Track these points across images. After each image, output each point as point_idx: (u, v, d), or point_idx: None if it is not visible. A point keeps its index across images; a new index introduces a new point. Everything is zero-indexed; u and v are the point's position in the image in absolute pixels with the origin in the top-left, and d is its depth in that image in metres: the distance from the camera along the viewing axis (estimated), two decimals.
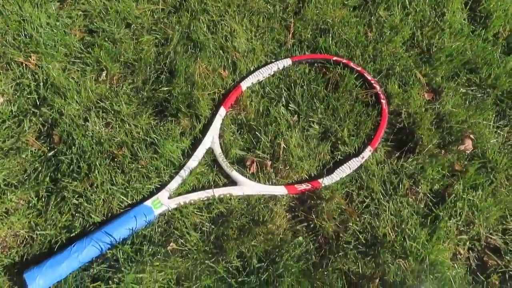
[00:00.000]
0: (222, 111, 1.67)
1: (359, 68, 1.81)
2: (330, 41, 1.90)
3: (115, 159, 1.56)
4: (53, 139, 1.61)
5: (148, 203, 1.45)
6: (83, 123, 1.63)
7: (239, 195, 1.50)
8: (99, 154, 1.56)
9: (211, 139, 1.61)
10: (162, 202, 1.45)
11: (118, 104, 1.66)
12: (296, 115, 1.71)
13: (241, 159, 1.60)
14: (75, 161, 1.53)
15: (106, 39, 1.85)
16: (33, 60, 1.80)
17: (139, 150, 1.57)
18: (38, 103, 1.68)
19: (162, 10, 1.98)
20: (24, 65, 1.78)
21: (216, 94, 1.74)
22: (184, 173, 1.53)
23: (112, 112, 1.66)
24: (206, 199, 1.49)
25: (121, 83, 1.77)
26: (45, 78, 1.75)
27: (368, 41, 1.93)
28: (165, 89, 1.72)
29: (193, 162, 1.56)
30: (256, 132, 1.64)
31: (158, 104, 1.71)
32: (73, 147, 1.56)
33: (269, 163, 1.58)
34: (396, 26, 1.97)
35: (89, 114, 1.65)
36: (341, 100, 1.73)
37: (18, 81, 1.75)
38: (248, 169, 1.57)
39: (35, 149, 1.60)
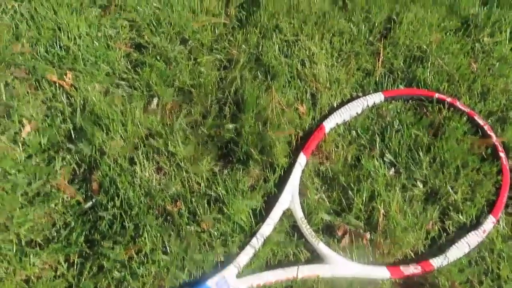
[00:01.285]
0: (302, 159, 1.26)
1: (467, 110, 1.39)
2: (429, 72, 1.48)
3: (169, 218, 1.16)
4: (91, 186, 1.21)
5: (211, 284, 1.04)
6: (129, 166, 1.23)
7: (328, 277, 1.09)
8: (149, 210, 1.16)
9: (289, 197, 1.19)
10: (229, 284, 1.05)
11: (173, 143, 1.26)
12: (393, 169, 1.30)
13: (329, 227, 1.19)
14: (118, 218, 1.14)
15: (158, 57, 1.45)
16: (69, 78, 1.40)
17: (198, 207, 1.17)
18: (73, 136, 1.29)
19: (225, 25, 1.56)
20: (57, 84, 1.39)
21: (293, 136, 1.33)
22: (256, 242, 1.13)
23: (166, 153, 1.25)
24: (285, 281, 1.08)
25: (175, 115, 1.36)
26: (82, 102, 1.36)
27: (474, 74, 1.50)
28: (231, 126, 1.31)
29: (267, 228, 1.15)
30: (348, 190, 1.22)
31: (222, 145, 1.30)
32: (116, 199, 1.16)
33: (367, 235, 1.16)
34: (505, 57, 1.54)
35: (137, 155, 1.25)
36: (450, 151, 1.31)
37: (49, 104, 1.36)
38: (338, 241, 1.16)
39: (68, 197, 1.20)
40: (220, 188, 1.19)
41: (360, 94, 1.44)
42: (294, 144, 1.32)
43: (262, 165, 1.25)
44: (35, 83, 1.39)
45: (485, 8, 1.67)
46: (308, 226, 1.14)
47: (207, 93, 1.38)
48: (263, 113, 1.33)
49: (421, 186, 1.26)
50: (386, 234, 1.16)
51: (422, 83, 1.47)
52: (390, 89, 1.45)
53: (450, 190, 1.24)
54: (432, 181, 1.26)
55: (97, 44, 1.46)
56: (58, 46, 1.43)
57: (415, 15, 1.62)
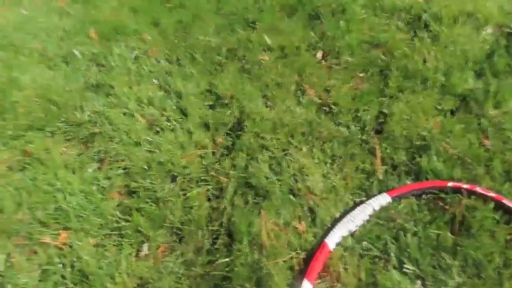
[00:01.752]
0: (307, 286, 1.16)
1: (492, 194, 1.27)
2: (436, 160, 1.42)
3: None
4: None
5: None
6: None
7: None
8: None
9: None
10: None
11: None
12: (419, 282, 1.15)
13: None
14: None
15: (148, 200, 1.51)
16: (62, 238, 1.48)
17: None
18: None
19: (213, 153, 1.65)
20: (52, 246, 1.46)
21: (294, 259, 1.25)
22: None
23: None
24: None
25: (167, 257, 1.35)
26: (74, 260, 1.39)
27: (489, 152, 1.42)
28: (223, 261, 1.27)
29: None
30: None
31: (216, 284, 1.24)
32: None
33: None
34: None
35: None
36: (483, 248, 1.16)
37: (44, 267, 1.41)
38: None
39: None
40: None
41: (364, 198, 1.39)
42: (298, 268, 1.24)
43: None
44: (32, 247, 1.47)
45: (480, 81, 1.67)
46: None
47: (198, 228, 1.38)
48: (257, 240, 1.29)
49: None
50: None
51: (431, 173, 1.40)
52: (395, 187, 1.38)
53: None
54: None
55: (90, 198, 1.56)
56: (54, 208, 1.55)
57: (407, 104, 1.64)
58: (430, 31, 2.01)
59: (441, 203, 1.31)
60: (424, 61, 1.83)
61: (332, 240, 1.26)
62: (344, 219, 1.30)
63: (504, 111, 1.55)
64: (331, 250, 1.24)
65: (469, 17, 2.05)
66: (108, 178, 1.67)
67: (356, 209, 1.33)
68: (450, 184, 1.32)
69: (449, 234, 1.21)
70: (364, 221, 1.30)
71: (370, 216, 1.32)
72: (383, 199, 1.33)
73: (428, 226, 1.24)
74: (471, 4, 2.10)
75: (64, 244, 1.46)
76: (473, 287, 1.09)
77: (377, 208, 1.33)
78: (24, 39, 2.61)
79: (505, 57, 1.77)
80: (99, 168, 1.73)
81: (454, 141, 1.47)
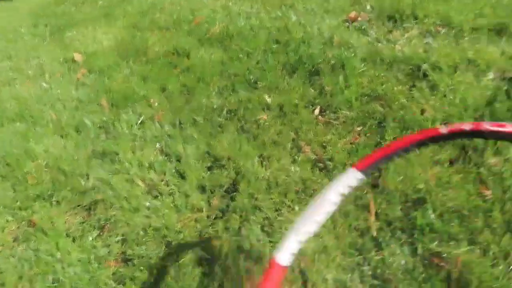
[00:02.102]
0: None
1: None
2: (432, 215, 1.42)
3: None
4: None
5: None
6: None
7: None
8: None
9: None
10: None
11: None
12: None
13: None
14: None
15: (141, 268, 1.58)
16: None
17: None
18: None
19: (208, 217, 1.73)
20: None
21: None
22: None
23: None
24: None
25: None
26: None
27: (488, 203, 1.42)
28: None
29: None
30: None
31: None
32: None
33: None
34: None
35: None
36: None
37: None
38: None
39: None
40: None
41: (357, 257, 1.39)
42: None
43: None
44: None
45: None
46: None
47: None
48: None
49: None
50: None
51: (426, 229, 1.40)
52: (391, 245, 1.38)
53: None
54: None
55: (87, 268, 1.65)
56: (52, 280, 1.64)
57: (403, 157, 1.67)
58: (429, 81, 2.08)
59: (436, 261, 1.30)
60: (422, 112, 1.88)
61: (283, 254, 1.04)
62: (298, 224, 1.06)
63: (505, 158, 1.55)
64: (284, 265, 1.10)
65: (470, 64, 2.11)
66: (107, 246, 1.76)
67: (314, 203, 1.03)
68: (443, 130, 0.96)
69: None
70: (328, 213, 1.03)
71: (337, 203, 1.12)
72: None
73: (423, 285, 1.23)
74: (471, 51, 2.17)
75: None
76: None
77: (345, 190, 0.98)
78: (42, 110, 2.90)
79: (506, 102, 1.79)
80: (99, 235, 1.84)
81: (452, 194, 1.47)
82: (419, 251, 1.34)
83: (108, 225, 1.86)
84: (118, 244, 1.75)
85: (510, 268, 1.22)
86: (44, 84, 3.30)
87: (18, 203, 2.06)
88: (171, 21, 3.89)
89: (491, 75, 2.00)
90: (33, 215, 1.99)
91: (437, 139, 0.89)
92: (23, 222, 1.97)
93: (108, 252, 1.72)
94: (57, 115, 2.78)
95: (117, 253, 1.71)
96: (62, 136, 2.56)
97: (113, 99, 2.76)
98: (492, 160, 1.56)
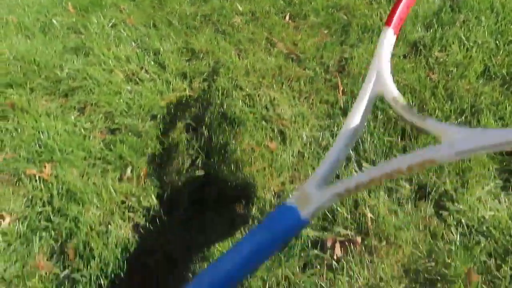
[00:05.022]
0: (389, 34, 0.86)
1: None
2: None
3: (148, 273, 1.21)
4: (67, 256, 1.30)
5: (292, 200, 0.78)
6: (105, 229, 1.33)
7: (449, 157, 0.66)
8: (126, 266, 1.22)
9: (379, 81, 0.84)
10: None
11: (147, 198, 1.38)
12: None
13: (317, 242, 1.21)
14: (94, 278, 1.19)
15: (130, 133, 1.67)
16: (47, 170, 1.61)
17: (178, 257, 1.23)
18: (51, 216, 1.42)
19: (190, 96, 1.84)
20: (37, 177, 1.59)
21: (266, 170, 1.45)
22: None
23: (141, 209, 1.37)
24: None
25: (149, 178, 1.52)
26: (60, 187, 1.53)
27: (434, 82, 1.68)
28: (201, 174, 1.45)
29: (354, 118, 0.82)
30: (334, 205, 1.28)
31: (196, 191, 1.42)
32: (92, 261, 1.23)
33: (358, 239, 1.18)
34: (461, 62, 1.74)
35: (112, 219, 1.36)
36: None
37: (29, 196, 1.53)
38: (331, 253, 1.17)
39: (46, 273, 1.27)
40: (198, 235, 1.27)
41: (328, 122, 1.60)
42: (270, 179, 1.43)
43: (236, 202, 1.34)
44: (18, 182, 1.60)
45: (429, 32, 1.95)
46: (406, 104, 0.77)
47: (178, 152, 1.56)
48: (233, 156, 1.48)
49: (407, 185, 1.31)
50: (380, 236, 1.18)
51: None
52: None
53: (438, 181, 1.29)
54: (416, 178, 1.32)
55: (74, 137, 1.71)
56: (38, 145, 1.68)
57: (365, 50, 1.89)
58: None
59: (394, 120, 1.55)
60: (381, 19, 2.10)
61: None
62: None
63: (448, 53, 1.82)
64: None
65: None
66: (90, 122, 1.82)
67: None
68: None
69: (399, 142, 1.45)
70: None
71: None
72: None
73: (382, 136, 1.47)
74: None
75: (50, 175, 1.60)
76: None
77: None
78: None
79: (450, 13, 2.06)
80: (80, 114, 1.88)
81: (406, 76, 1.72)
82: (379, 116, 1.58)
83: (88, 106, 1.90)
84: (101, 120, 1.81)
85: (450, 124, 1.50)
86: None
87: None
88: None
89: None
90: (6, 99, 1.97)
91: None
92: None
93: (93, 126, 1.78)
94: (18, 19, 2.65)
95: (102, 126, 1.78)
96: (27, 37, 2.48)
97: (80, 5, 2.69)
98: (438, 53, 1.83)
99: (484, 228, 1.20)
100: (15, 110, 1.88)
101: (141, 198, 1.39)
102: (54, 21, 2.50)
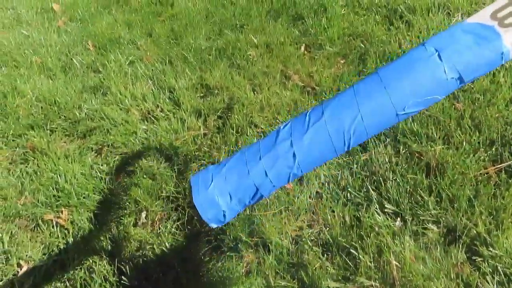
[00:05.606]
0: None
1: None
2: (412, 123, 1.58)
3: None
4: None
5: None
6: (118, 280, 1.29)
7: None
8: None
9: None
10: None
11: (162, 246, 1.34)
12: (399, 218, 1.28)
13: None
14: None
15: (145, 176, 1.65)
16: (64, 215, 1.60)
17: None
18: (67, 265, 1.40)
19: (205, 135, 1.81)
20: (54, 222, 1.58)
21: (283, 212, 1.38)
22: None
23: (154, 258, 1.33)
24: None
25: (164, 223, 1.48)
26: (76, 234, 1.52)
27: (460, 111, 1.59)
28: None
29: None
30: (351, 250, 1.20)
31: (211, 239, 1.37)
32: None
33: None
34: (488, 89, 1.64)
35: (126, 268, 1.32)
36: (456, 185, 1.30)
37: (47, 242, 1.52)
38: None
39: None
40: (214, 279, 1.21)
41: (346, 159, 1.53)
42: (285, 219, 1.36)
43: (254, 247, 1.28)
44: (36, 228, 1.60)
45: None
46: None
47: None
48: None
49: (434, 228, 1.22)
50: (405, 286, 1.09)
51: (408, 133, 1.55)
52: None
53: (468, 223, 1.19)
54: (444, 219, 1.22)
55: (90, 180, 1.70)
56: (55, 189, 1.68)
57: None
58: (406, 21, 2.24)
59: (416, 155, 1.46)
60: (400, 46, 2.03)
61: None
62: None
63: (473, 80, 1.73)
64: None
65: (441, 8, 2.29)
66: (107, 164, 1.81)
67: None
68: None
69: (426, 178, 1.36)
70: None
71: None
72: None
73: (405, 173, 1.39)
74: None
75: (66, 220, 1.59)
76: (453, 217, 1.22)
77: None
78: (25, 54, 2.83)
79: None
80: (97, 156, 1.89)
81: (430, 108, 1.64)
82: (402, 150, 1.50)
83: (105, 147, 1.90)
84: (118, 161, 1.81)
85: (479, 157, 1.40)
86: (24, 32, 3.22)
87: (11, 131, 2.05)
88: None
89: (458, 16, 2.19)
90: (28, 141, 2.00)
91: None
92: (18, 149, 1.98)
93: (109, 168, 1.78)
94: (41, 59, 2.74)
95: (119, 168, 1.77)
96: (49, 77, 2.54)
97: (100, 43, 2.75)
98: None
99: None
100: (35, 153, 1.91)
101: (154, 246, 1.35)
102: (75, 60, 2.57)
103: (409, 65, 0.68)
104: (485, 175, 1.33)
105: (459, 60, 0.66)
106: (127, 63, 2.46)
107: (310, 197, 1.41)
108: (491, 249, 1.13)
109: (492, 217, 1.21)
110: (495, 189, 1.27)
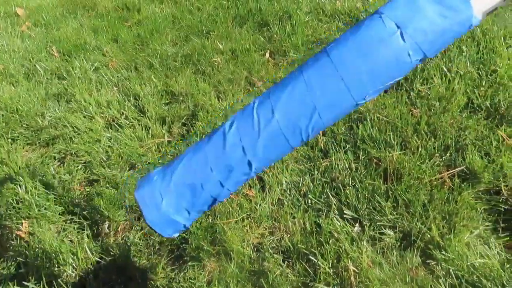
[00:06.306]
0: None
1: None
2: (371, 129, 1.60)
3: None
4: None
5: None
6: None
7: None
8: None
9: None
10: None
11: (124, 256, 1.31)
12: (357, 223, 1.29)
13: None
14: None
15: (108, 185, 1.61)
16: (24, 227, 1.55)
17: None
18: (26, 279, 1.35)
19: (169, 142, 1.79)
20: (13, 235, 1.52)
21: (245, 220, 1.38)
22: None
23: (115, 269, 1.29)
24: None
25: (127, 233, 1.45)
26: (36, 246, 1.46)
27: (417, 117, 1.62)
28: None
29: None
30: (311, 257, 1.20)
31: (174, 248, 1.34)
32: None
33: None
34: (443, 95, 1.69)
35: (87, 280, 1.29)
36: (412, 190, 1.33)
37: (5, 256, 1.46)
38: None
39: None
40: None
41: (309, 164, 1.54)
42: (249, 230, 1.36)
43: (216, 256, 1.27)
44: None
45: None
46: None
47: None
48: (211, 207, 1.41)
49: (391, 233, 1.24)
50: None
51: (367, 139, 1.58)
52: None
53: (423, 227, 1.21)
54: (400, 224, 1.24)
55: (51, 190, 1.65)
56: (15, 201, 1.62)
57: None
58: None
59: (375, 161, 1.48)
60: None
61: None
62: None
63: (429, 86, 1.77)
64: None
65: None
66: (69, 173, 1.76)
67: None
68: None
69: (383, 184, 1.38)
70: None
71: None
72: None
73: (364, 179, 1.41)
74: None
75: (27, 233, 1.53)
76: (408, 221, 1.24)
77: None
78: None
79: None
80: (60, 165, 1.83)
81: (387, 112, 1.67)
82: (361, 156, 1.52)
83: (68, 156, 1.84)
84: (81, 170, 1.76)
85: (434, 162, 1.44)
86: None
87: None
88: None
89: None
90: None
91: None
92: None
93: (72, 177, 1.72)
94: (3, 65, 2.63)
95: (81, 178, 1.72)
96: (12, 84, 2.45)
97: (64, 49, 2.67)
98: (419, 87, 1.78)
99: (475, 278, 1.12)
100: None
101: (116, 257, 1.32)
102: (38, 67, 2.48)
103: (366, 47, 0.60)
104: (440, 180, 1.36)
105: (424, 39, 0.59)
106: (92, 69, 2.40)
107: (272, 203, 1.41)
108: (444, 252, 1.16)
109: (445, 221, 1.24)
110: (448, 193, 1.31)
